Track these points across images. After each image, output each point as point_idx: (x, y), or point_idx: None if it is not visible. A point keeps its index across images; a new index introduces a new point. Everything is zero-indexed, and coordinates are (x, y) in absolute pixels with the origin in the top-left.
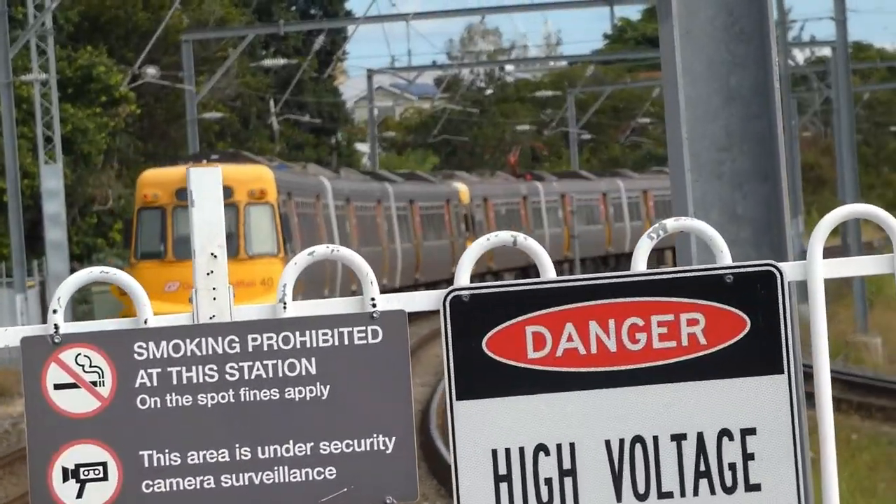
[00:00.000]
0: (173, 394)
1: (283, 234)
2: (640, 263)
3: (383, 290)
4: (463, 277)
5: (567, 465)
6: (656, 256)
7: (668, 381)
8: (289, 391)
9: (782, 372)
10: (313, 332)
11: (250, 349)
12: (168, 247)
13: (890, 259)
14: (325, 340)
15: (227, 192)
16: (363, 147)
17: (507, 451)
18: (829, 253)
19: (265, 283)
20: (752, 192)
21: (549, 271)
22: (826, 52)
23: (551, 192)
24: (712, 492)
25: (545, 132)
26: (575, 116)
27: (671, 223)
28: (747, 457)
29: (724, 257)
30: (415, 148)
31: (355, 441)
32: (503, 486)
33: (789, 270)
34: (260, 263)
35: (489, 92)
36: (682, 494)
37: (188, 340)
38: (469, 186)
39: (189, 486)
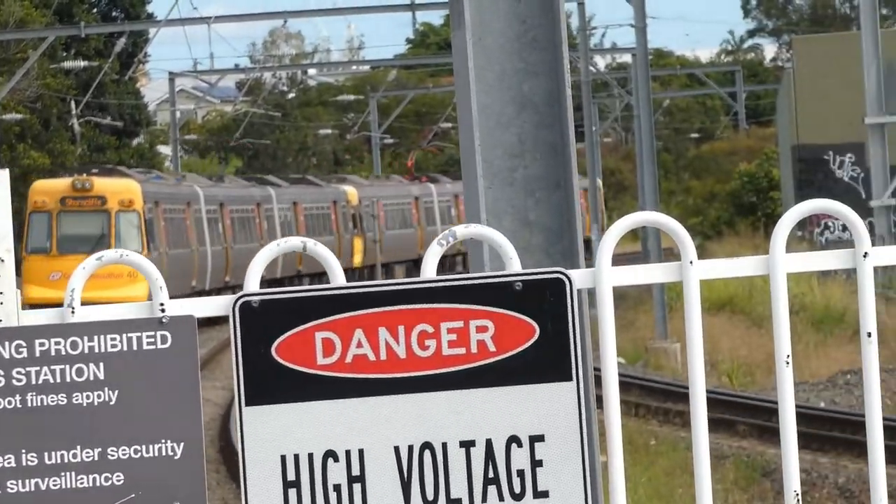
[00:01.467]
0: None
1: (147, 235)
2: (429, 270)
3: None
4: (252, 283)
5: (356, 471)
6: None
7: (457, 387)
8: (76, 396)
9: (571, 379)
10: (102, 337)
11: (38, 354)
12: (53, 244)
13: (678, 267)
14: (114, 345)
15: (102, 200)
16: (166, 150)
17: (297, 457)
18: (630, 259)
19: (131, 275)
20: (544, 198)
21: (338, 277)
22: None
23: (444, 192)
24: (500, 498)
25: (348, 136)
26: (377, 121)
27: (461, 230)
28: (535, 463)
29: (514, 264)
30: (217, 151)
31: (143, 447)
32: (292, 493)
33: (579, 277)
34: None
35: (291, 96)
36: (471, 501)
37: None
38: (359, 189)
39: None
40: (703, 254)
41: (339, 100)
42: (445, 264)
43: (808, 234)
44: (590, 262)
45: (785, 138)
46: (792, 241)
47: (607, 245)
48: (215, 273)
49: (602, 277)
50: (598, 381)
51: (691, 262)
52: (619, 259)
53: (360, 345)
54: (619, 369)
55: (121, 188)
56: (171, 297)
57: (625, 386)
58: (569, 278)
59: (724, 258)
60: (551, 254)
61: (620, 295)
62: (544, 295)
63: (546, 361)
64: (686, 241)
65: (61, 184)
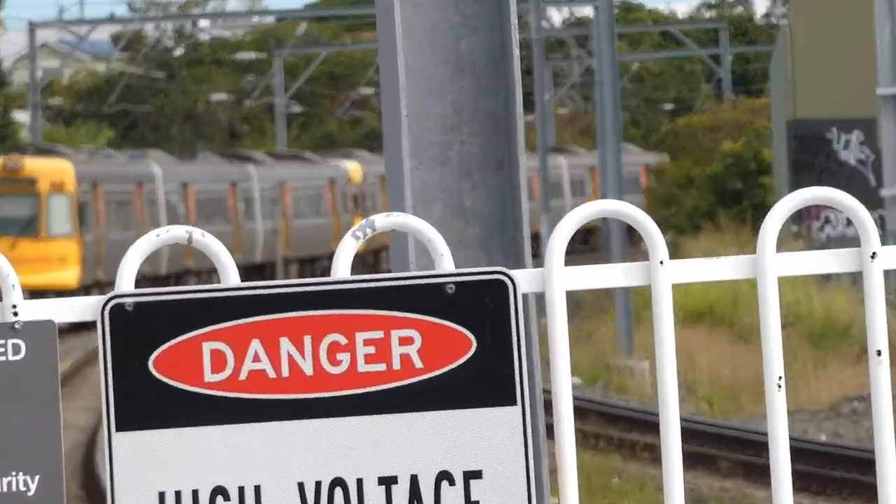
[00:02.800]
0: None
1: (80, 219)
2: (342, 268)
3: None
4: (126, 281)
5: None
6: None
7: (376, 412)
8: None
9: (514, 402)
10: None
11: None
12: None
13: (646, 268)
14: None
15: (32, 182)
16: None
17: (178, 494)
18: (588, 258)
19: (61, 259)
20: (484, 182)
21: (230, 275)
22: (588, 12)
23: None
24: None
25: (246, 102)
26: (283, 84)
27: (380, 220)
28: None
29: (445, 262)
30: (86, 119)
31: None
32: None
33: (524, 279)
34: (56, 243)
35: (179, 53)
36: None
37: None
38: (364, 165)
39: None
40: (676, 252)
41: (236, 58)
42: (367, 261)
43: (806, 230)
44: (538, 260)
45: (779, 112)
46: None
47: (559, 240)
48: (173, 259)
49: (553, 279)
50: (549, 405)
51: (661, 263)
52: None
53: (257, 358)
54: (574, 391)
55: (52, 169)
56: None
57: (581, 412)
58: (512, 280)
59: (702, 258)
60: (491, 250)
61: (576, 301)
62: (482, 300)
63: (484, 381)
64: (655, 237)
65: None
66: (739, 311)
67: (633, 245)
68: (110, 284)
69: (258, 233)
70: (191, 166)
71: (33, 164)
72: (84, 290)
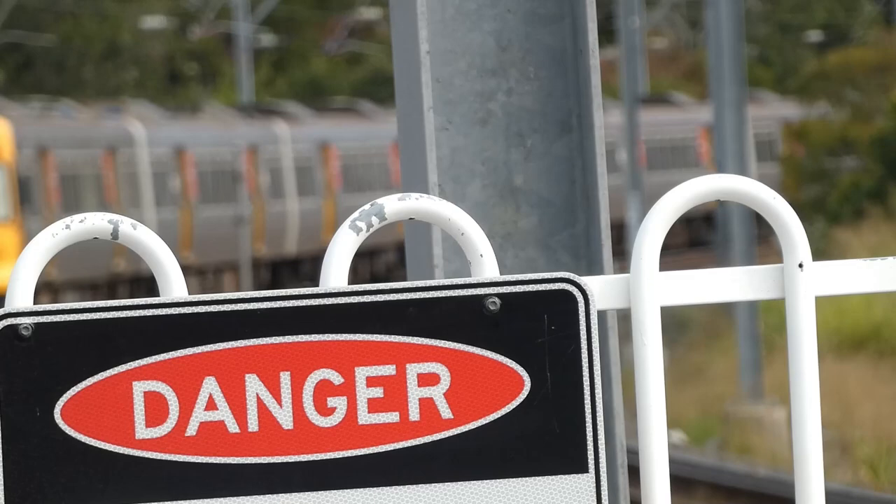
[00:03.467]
0: None
1: (22, 195)
2: (335, 274)
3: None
4: (21, 293)
5: None
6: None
7: (385, 482)
8: None
9: (585, 469)
10: None
11: None
12: None
13: (779, 274)
14: None
15: None
16: None
17: None
18: (695, 258)
19: None
20: (543, 149)
21: (174, 285)
22: None
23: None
24: None
25: (194, 31)
26: (248, 5)
27: (392, 204)
28: None
29: (486, 265)
30: None
31: None
32: None
33: (601, 290)
34: None
35: None
36: None
37: None
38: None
39: None
40: (828, 249)
41: None
42: (371, 263)
43: None
44: (623, 263)
45: None
46: None
47: (652, 234)
48: (99, 262)
49: (643, 290)
50: (636, 472)
51: (801, 266)
52: (679, 259)
53: (212, 405)
54: (674, 452)
55: None
56: (66, 281)
57: (684, 483)
58: (583, 291)
59: (862, 259)
60: (553, 248)
61: (681, 322)
62: (539, 320)
63: (542, 438)
64: (791, 229)
65: None
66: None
67: (763, 242)
68: (72, 285)
69: (291, 215)
70: (189, 124)
71: None
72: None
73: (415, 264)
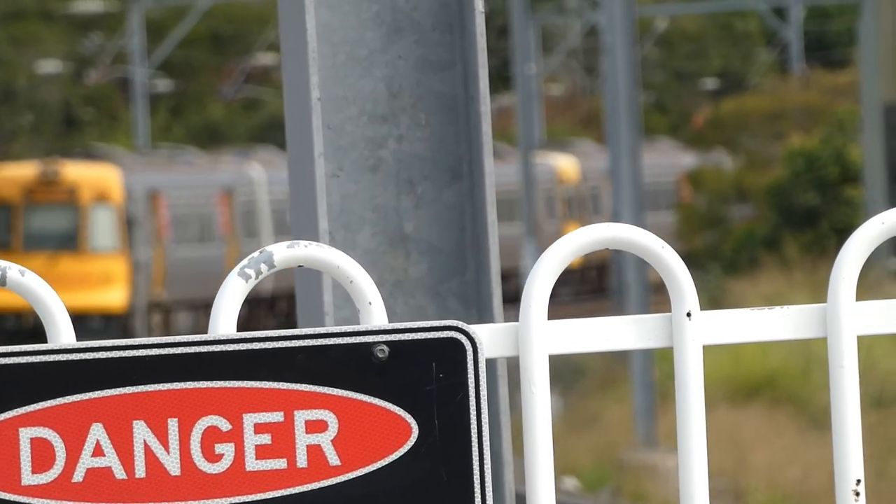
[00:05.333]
0: None
1: (129, 232)
2: (223, 321)
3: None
4: None
5: None
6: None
7: None
8: None
9: None
10: None
11: None
12: (16, 240)
13: (667, 321)
14: None
15: (72, 192)
16: None
17: None
18: (590, 305)
19: (106, 277)
20: (433, 197)
21: (62, 330)
22: None
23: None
24: None
25: (89, 75)
26: (145, 49)
27: (281, 252)
28: None
29: (374, 313)
30: None
31: None
32: None
33: (490, 338)
34: (100, 259)
35: None
36: None
37: None
38: (583, 159)
39: None
40: (724, 298)
41: (73, 11)
42: (275, 309)
43: None
44: (514, 311)
45: (872, 91)
46: (882, 279)
47: (541, 282)
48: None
49: (531, 338)
50: None
51: (689, 315)
52: (578, 308)
53: (99, 451)
54: (569, 498)
55: (95, 177)
56: (177, 301)
57: None
58: (472, 339)
59: (756, 307)
60: (443, 295)
61: (577, 370)
62: (428, 368)
63: (430, 485)
64: (680, 278)
65: (27, 172)
66: (813, 385)
67: (659, 291)
68: (178, 303)
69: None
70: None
71: (73, 172)
72: (145, 311)
73: (305, 311)
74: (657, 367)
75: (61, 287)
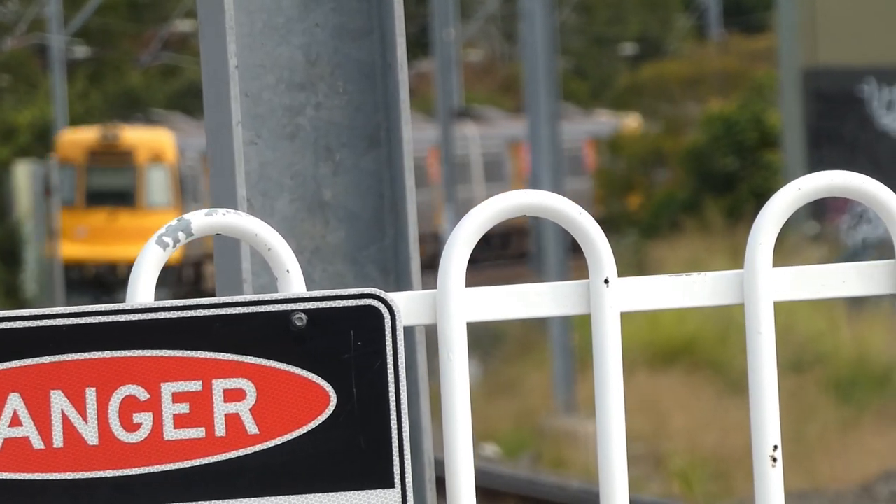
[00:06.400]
0: None
1: (182, 189)
2: (142, 289)
3: None
4: None
5: None
6: None
7: (191, 498)
8: None
9: (391, 484)
10: None
11: None
12: (80, 197)
13: (584, 288)
14: None
15: (131, 154)
16: None
17: None
18: (514, 271)
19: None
20: (351, 163)
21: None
22: None
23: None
24: None
25: (5, 42)
26: (61, 16)
27: (199, 220)
28: None
29: (293, 281)
30: None
31: None
32: None
33: (407, 306)
34: (155, 214)
35: None
36: None
37: None
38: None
39: None
40: (643, 263)
41: None
42: (186, 277)
43: (833, 230)
44: (432, 277)
45: (791, 57)
46: (801, 243)
47: (459, 249)
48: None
49: (449, 306)
50: (443, 485)
51: (606, 282)
52: (496, 273)
53: (16, 420)
54: (487, 466)
55: (150, 141)
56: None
57: (496, 496)
58: (389, 307)
59: (673, 274)
60: (362, 262)
61: (497, 336)
62: (346, 336)
63: (348, 453)
64: (597, 244)
65: (90, 136)
66: (731, 350)
67: (578, 256)
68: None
69: None
70: None
71: (131, 136)
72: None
73: (224, 279)
74: (577, 332)
75: (120, 240)
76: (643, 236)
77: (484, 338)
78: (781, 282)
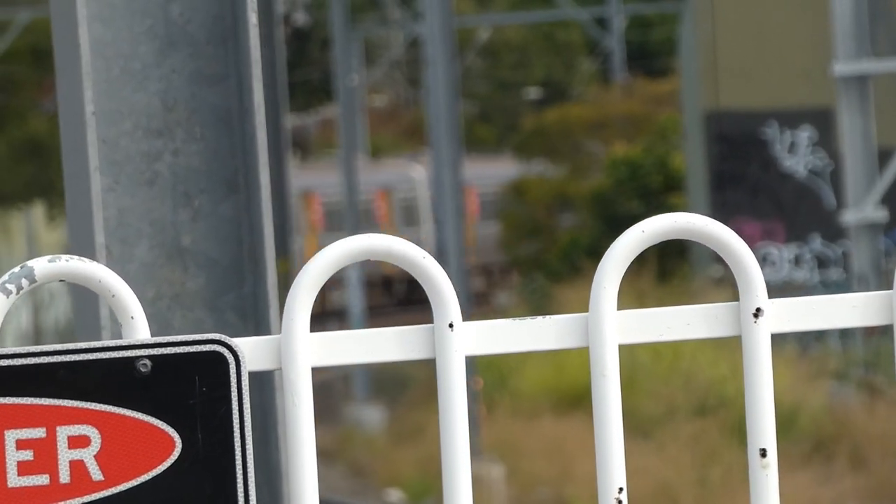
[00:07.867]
0: None
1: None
2: None
3: None
4: None
5: None
6: None
7: None
8: None
9: None
10: None
11: None
12: None
13: (429, 332)
14: None
15: None
16: None
17: None
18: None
19: None
20: (210, 208)
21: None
22: None
23: None
24: None
25: None
26: None
27: (42, 266)
28: None
29: (138, 327)
30: None
31: None
32: None
33: (252, 351)
34: None
35: None
36: None
37: None
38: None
39: None
40: (549, 305)
41: None
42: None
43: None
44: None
45: (693, 100)
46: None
47: (302, 294)
48: None
49: (294, 351)
50: None
51: (451, 326)
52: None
53: None
54: None
55: None
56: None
57: None
58: (234, 352)
59: (511, 318)
60: (221, 308)
61: (399, 379)
62: (191, 382)
63: (195, 499)
64: (442, 288)
65: None
66: (637, 394)
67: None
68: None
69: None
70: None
71: None
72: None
73: (82, 325)
74: (484, 375)
75: None
76: (549, 280)
77: (389, 383)
78: (627, 325)
